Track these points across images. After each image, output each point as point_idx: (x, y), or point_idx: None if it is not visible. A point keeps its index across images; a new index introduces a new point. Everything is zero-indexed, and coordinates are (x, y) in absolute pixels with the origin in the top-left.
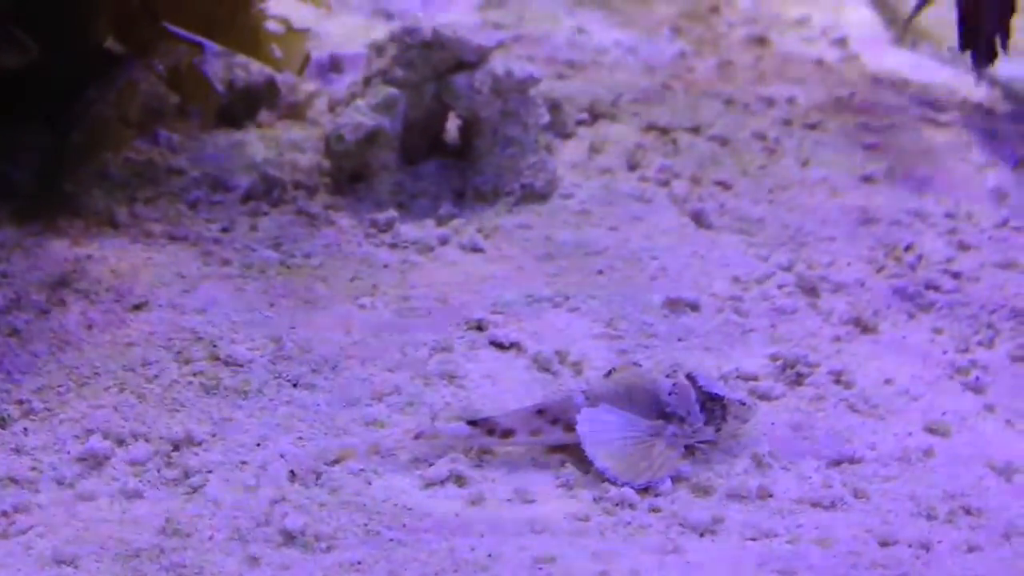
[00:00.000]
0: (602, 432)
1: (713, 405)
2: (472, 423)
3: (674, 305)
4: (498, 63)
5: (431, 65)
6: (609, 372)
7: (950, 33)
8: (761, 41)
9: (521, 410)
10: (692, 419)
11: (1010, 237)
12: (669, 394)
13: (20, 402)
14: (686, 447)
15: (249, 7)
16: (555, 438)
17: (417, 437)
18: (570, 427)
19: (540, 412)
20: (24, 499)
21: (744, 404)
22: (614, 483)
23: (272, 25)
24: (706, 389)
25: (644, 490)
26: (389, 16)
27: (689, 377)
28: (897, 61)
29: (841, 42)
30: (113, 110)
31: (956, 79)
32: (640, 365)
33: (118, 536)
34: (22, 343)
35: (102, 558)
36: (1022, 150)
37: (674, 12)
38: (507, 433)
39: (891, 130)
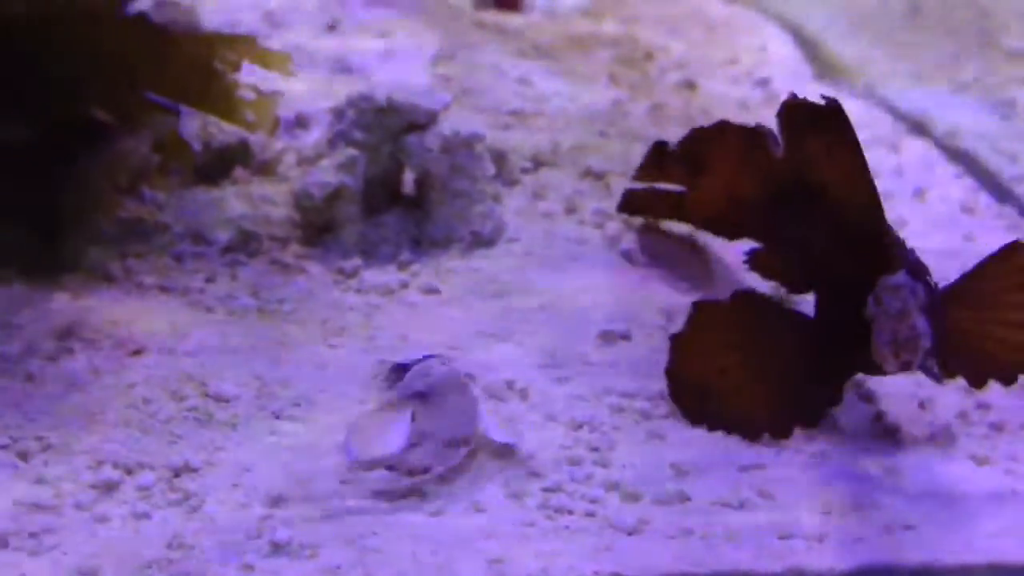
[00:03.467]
0: None
1: None
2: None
3: (608, 337)
4: (447, 123)
5: (386, 127)
6: None
7: (865, 68)
8: (690, 86)
9: None
10: None
11: None
12: None
13: (39, 438)
14: None
15: (223, 78)
16: None
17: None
18: None
19: None
20: (48, 522)
21: None
22: None
23: (245, 92)
24: None
25: None
26: (349, 71)
27: None
28: (815, 99)
29: (764, 82)
30: (105, 178)
31: (867, 113)
32: None
33: (132, 550)
34: (37, 387)
35: (119, 570)
36: (921, 182)
37: (612, 59)
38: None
39: None
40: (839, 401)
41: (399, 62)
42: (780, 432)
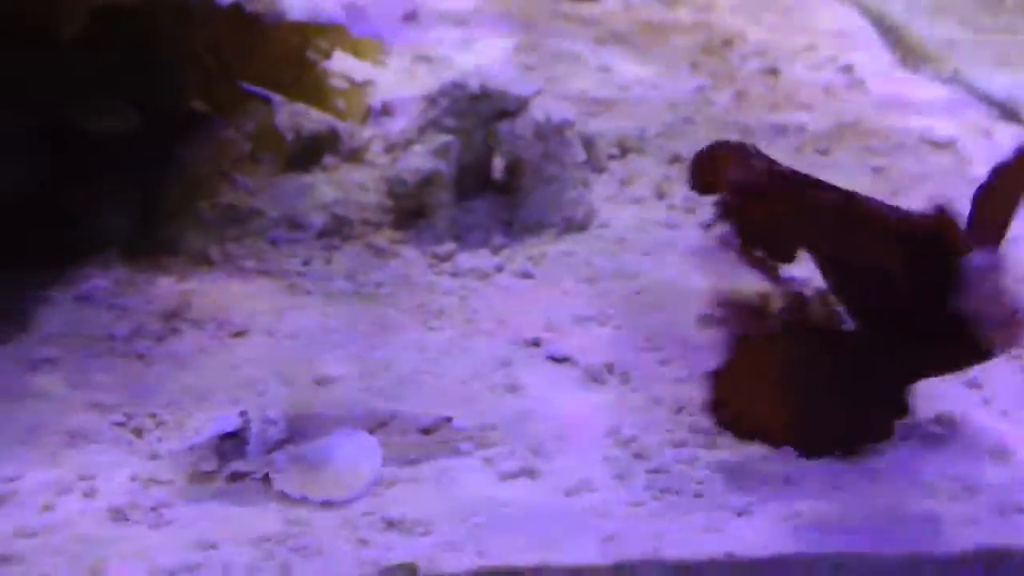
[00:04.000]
0: None
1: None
2: None
3: (707, 320)
4: (538, 109)
5: (478, 114)
6: None
7: (950, 53)
8: (772, 72)
9: None
10: None
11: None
12: None
13: (152, 415)
14: None
15: (314, 68)
16: None
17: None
18: None
19: None
20: (166, 497)
21: None
22: None
23: (337, 80)
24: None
25: None
26: (429, 60)
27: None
28: (900, 84)
29: (847, 69)
30: (207, 166)
31: (956, 99)
32: None
33: (249, 525)
34: (147, 366)
35: (238, 542)
36: None
37: (690, 46)
38: None
39: (895, 152)
40: (906, 412)
41: (479, 51)
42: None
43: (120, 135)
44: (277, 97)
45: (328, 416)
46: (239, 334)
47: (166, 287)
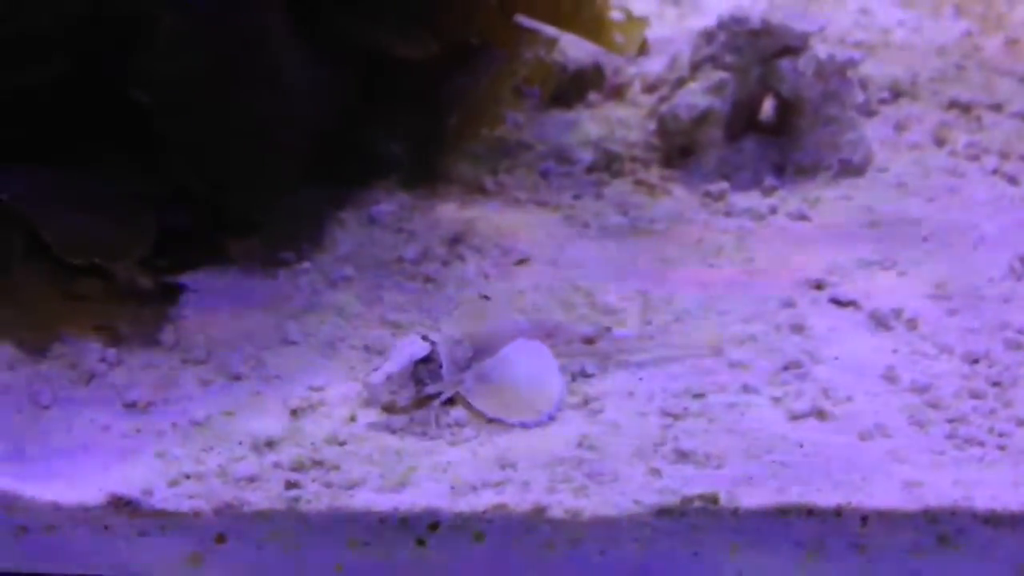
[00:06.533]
0: None
1: None
2: None
3: (1000, 270)
4: (820, 47)
5: (757, 50)
6: None
7: None
8: None
9: None
10: None
11: None
12: None
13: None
14: None
15: (594, 1)
16: None
17: None
18: None
19: None
20: (461, 416)
21: None
22: None
23: (615, 13)
24: None
25: None
26: (676, 3)
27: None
28: None
29: None
30: (484, 99)
31: None
32: None
33: (543, 448)
34: (437, 287)
35: (534, 464)
36: None
37: None
38: None
39: None
40: None
41: None
42: None
43: (411, 63)
44: (551, 30)
45: (501, 330)
46: (522, 261)
47: (448, 213)
